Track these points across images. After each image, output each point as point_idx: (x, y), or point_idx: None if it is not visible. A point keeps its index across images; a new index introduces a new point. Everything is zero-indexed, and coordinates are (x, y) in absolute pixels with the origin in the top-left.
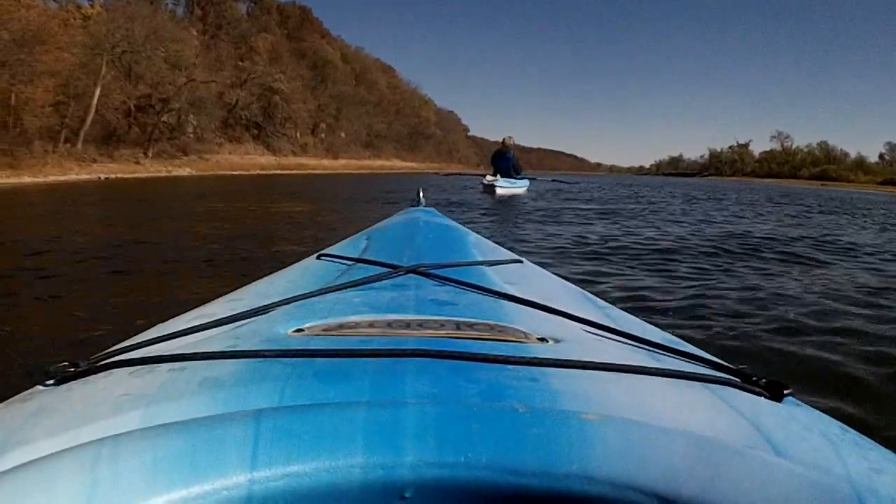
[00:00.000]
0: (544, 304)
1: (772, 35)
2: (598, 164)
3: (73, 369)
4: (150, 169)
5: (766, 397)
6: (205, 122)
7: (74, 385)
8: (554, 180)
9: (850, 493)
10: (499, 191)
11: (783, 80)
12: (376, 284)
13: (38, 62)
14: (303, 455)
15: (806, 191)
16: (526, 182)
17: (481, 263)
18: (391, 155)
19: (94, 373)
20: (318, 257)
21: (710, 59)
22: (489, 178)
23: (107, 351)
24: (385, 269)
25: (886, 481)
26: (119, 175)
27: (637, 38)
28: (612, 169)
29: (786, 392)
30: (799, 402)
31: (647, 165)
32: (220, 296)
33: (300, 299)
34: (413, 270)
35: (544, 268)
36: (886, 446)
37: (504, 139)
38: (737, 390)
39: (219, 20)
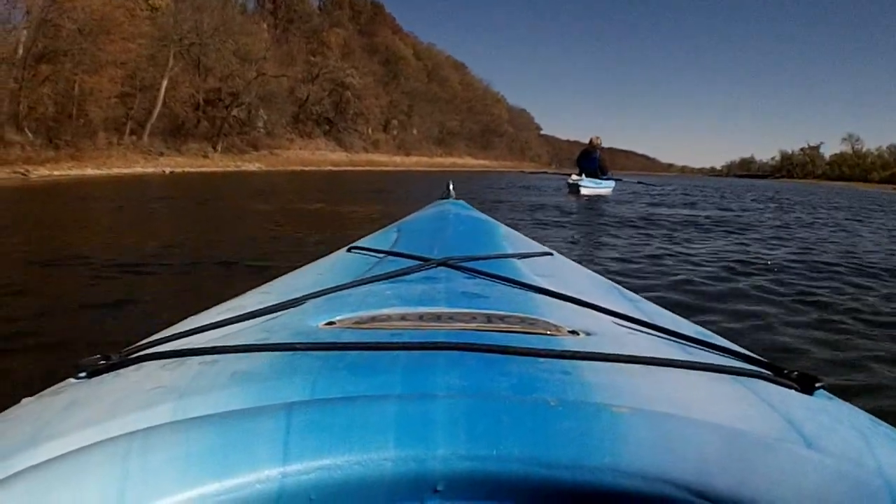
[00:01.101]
0: (575, 297)
1: (843, 36)
2: (670, 165)
3: (104, 362)
4: (219, 163)
5: (797, 390)
6: (275, 117)
7: (106, 378)
8: (640, 182)
9: (882, 486)
10: (583, 191)
11: (853, 81)
12: (407, 277)
13: (102, 52)
14: (334, 448)
15: None
16: (612, 183)
17: (512, 256)
18: (463, 152)
19: (126, 366)
20: (348, 250)
21: (782, 59)
22: (574, 177)
23: (137, 344)
24: (416, 262)
25: None
26: (186, 169)
27: (710, 39)
28: (683, 170)
29: (817, 385)
30: (830, 395)
31: (719, 167)
32: (251, 288)
33: (331, 292)
34: (444, 263)
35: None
36: None
37: (591, 139)
38: (768, 383)
39: (290, 14)
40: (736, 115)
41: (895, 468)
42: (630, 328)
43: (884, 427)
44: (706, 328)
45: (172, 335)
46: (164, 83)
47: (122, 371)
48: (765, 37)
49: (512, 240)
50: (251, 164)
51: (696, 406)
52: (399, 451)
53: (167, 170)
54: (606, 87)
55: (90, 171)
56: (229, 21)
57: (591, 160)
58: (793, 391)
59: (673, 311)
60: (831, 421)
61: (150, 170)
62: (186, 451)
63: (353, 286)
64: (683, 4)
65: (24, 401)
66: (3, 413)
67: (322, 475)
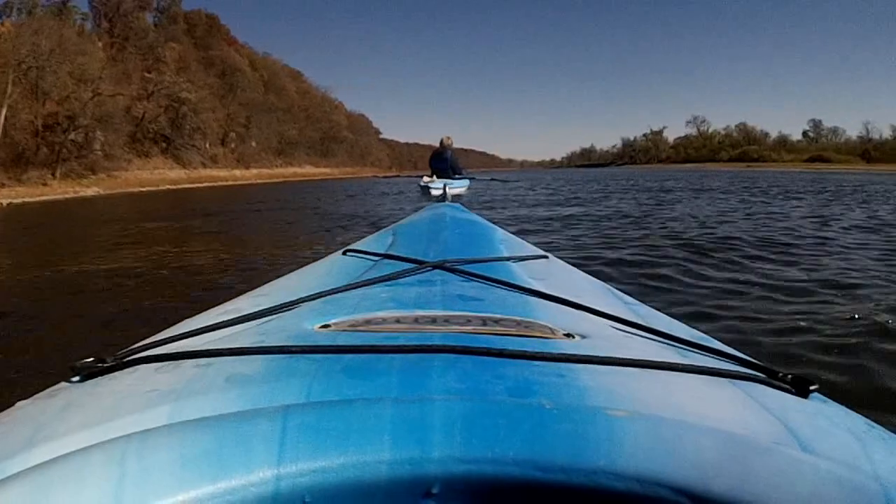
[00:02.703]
0: (571, 300)
1: (678, 19)
2: (510, 160)
3: (99, 365)
4: (58, 190)
5: (792, 394)
6: (112, 139)
7: (101, 381)
8: (493, 178)
9: (878, 490)
10: (434, 192)
11: (698, 64)
12: (402, 280)
13: None
14: (330, 451)
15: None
16: (465, 182)
17: (507, 259)
18: (304, 161)
19: (120, 369)
20: (343, 253)
21: (619, 48)
22: (426, 179)
23: (132, 347)
24: (411, 265)
25: None
26: (25, 199)
27: (542, 31)
28: (523, 164)
29: (812, 388)
30: (825, 399)
31: (559, 158)
32: (245, 292)
33: (326, 295)
34: (439, 266)
35: (570, 263)
36: None
37: (442, 139)
38: (764, 387)
39: (126, 31)
40: (574, 107)
41: (891, 472)
42: (626, 331)
43: (880, 430)
44: (702, 331)
45: (167, 338)
46: (4, 111)
47: (117, 374)
48: (600, 28)
49: (508, 243)
50: (88, 189)
51: (692, 409)
52: (394, 454)
53: (4, 202)
54: (442, 88)
55: None
56: (65, 41)
57: (443, 160)
58: (788, 394)
59: (669, 315)
60: (827, 424)
61: None
62: (182, 453)
63: (348, 289)
64: (514, 4)
65: (19, 403)
66: None
67: (317, 478)
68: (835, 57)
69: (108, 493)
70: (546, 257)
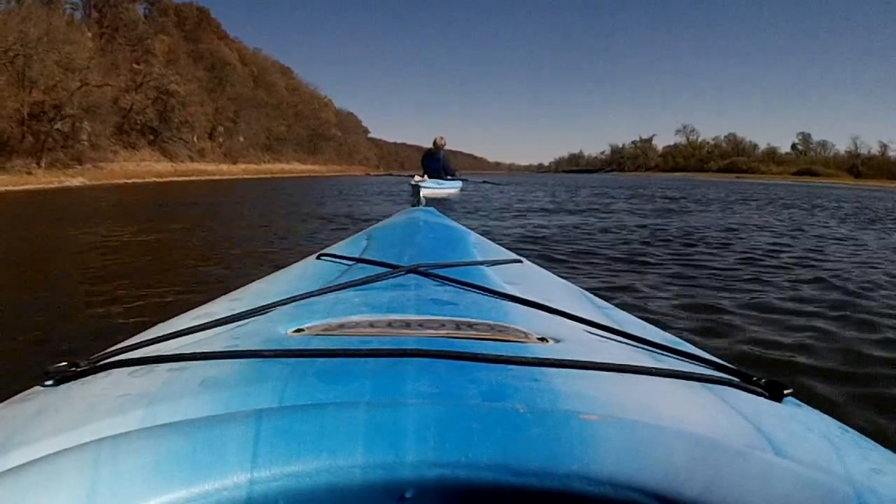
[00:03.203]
0: (545, 304)
1: (671, 28)
2: (497, 164)
3: (73, 369)
4: (43, 180)
5: (766, 397)
6: (99, 129)
7: (74, 385)
8: (485, 181)
9: (851, 493)
10: (424, 192)
11: (689, 73)
12: (376, 284)
13: None
14: (303, 455)
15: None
16: (458, 184)
17: (481, 263)
18: (291, 158)
19: (94, 373)
20: (318, 257)
21: (609, 55)
22: (417, 178)
23: (106, 351)
24: (385, 269)
25: (886, 481)
26: (8, 188)
27: (533, 36)
28: (511, 168)
29: (786, 392)
30: (799, 403)
31: (547, 163)
32: (220, 296)
33: (300, 299)
34: (413, 270)
35: (544, 268)
36: (886, 446)
37: (435, 139)
38: (737, 390)
39: (115, 22)
40: (563, 112)
41: (864, 475)
42: (599, 335)
43: (852, 434)
44: (675, 335)
45: (141, 342)
46: None
47: (90, 378)
48: (591, 35)
49: (482, 247)
50: (74, 180)
51: (666, 413)
52: (368, 458)
53: None
54: (431, 90)
55: None
56: (54, 30)
57: (435, 160)
58: (762, 398)
59: (642, 318)
60: (800, 428)
61: None
62: (155, 457)
63: (321, 293)
64: (504, 9)
65: None
66: None
67: (290, 482)
68: (825, 70)
69: (81, 498)
70: (520, 262)
